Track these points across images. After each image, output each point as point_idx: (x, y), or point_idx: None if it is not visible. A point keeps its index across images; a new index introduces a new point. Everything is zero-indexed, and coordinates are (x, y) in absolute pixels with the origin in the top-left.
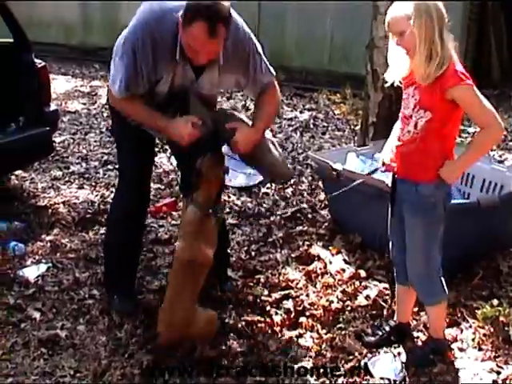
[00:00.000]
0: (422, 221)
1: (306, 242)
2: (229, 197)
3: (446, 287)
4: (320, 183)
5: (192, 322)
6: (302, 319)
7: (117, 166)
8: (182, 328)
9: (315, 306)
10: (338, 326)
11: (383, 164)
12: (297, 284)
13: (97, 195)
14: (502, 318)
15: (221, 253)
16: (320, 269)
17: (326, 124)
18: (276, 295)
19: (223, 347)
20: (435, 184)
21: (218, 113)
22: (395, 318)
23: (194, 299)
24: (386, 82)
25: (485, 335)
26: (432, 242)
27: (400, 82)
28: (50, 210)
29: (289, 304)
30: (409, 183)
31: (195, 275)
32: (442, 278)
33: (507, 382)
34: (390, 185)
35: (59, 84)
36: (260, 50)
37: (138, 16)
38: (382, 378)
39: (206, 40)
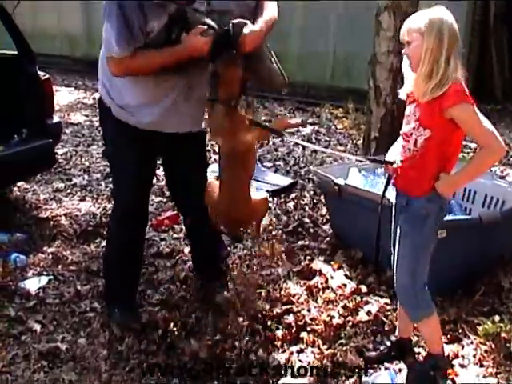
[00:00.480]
0: (411, 232)
1: (308, 257)
2: None
3: (431, 303)
4: (322, 198)
5: (248, 207)
6: (303, 334)
7: None
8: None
9: (316, 321)
10: (340, 341)
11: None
12: (298, 299)
13: (99, 207)
14: (503, 335)
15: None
16: (321, 284)
17: (328, 138)
18: (277, 310)
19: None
20: (427, 197)
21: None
22: (396, 333)
23: (248, 183)
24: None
25: (486, 351)
26: (419, 255)
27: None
28: (51, 222)
29: (290, 319)
30: (404, 196)
31: (241, 160)
32: (428, 294)
33: None
34: (392, 199)
35: (62, 96)
36: None
37: None
38: None
39: None
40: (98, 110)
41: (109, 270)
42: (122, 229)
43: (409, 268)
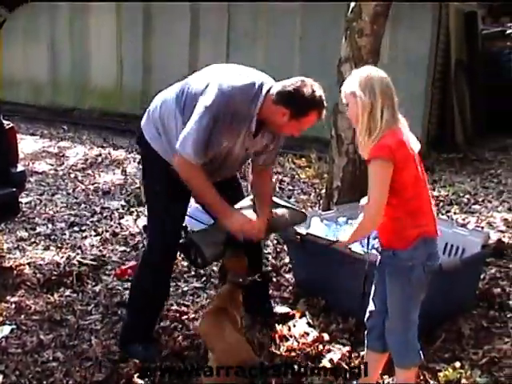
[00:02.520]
0: (400, 283)
1: None
2: None
3: (420, 352)
4: (285, 247)
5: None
6: None
7: (83, 228)
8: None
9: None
10: None
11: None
12: (261, 347)
13: (62, 257)
14: (463, 381)
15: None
16: (284, 332)
17: (291, 187)
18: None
19: None
20: (412, 247)
21: None
22: (360, 381)
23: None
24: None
25: None
26: (410, 305)
27: None
28: (15, 271)
29: None
30: (387, 249)
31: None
32: (418, 343)
33: None
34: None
35: (27, 144)
36: None
37: (223, 86)
38: None
39: (314, 123)
40: (138, 147)
41: (139, 304)
42: (164, 266)
43: (401, 320)
